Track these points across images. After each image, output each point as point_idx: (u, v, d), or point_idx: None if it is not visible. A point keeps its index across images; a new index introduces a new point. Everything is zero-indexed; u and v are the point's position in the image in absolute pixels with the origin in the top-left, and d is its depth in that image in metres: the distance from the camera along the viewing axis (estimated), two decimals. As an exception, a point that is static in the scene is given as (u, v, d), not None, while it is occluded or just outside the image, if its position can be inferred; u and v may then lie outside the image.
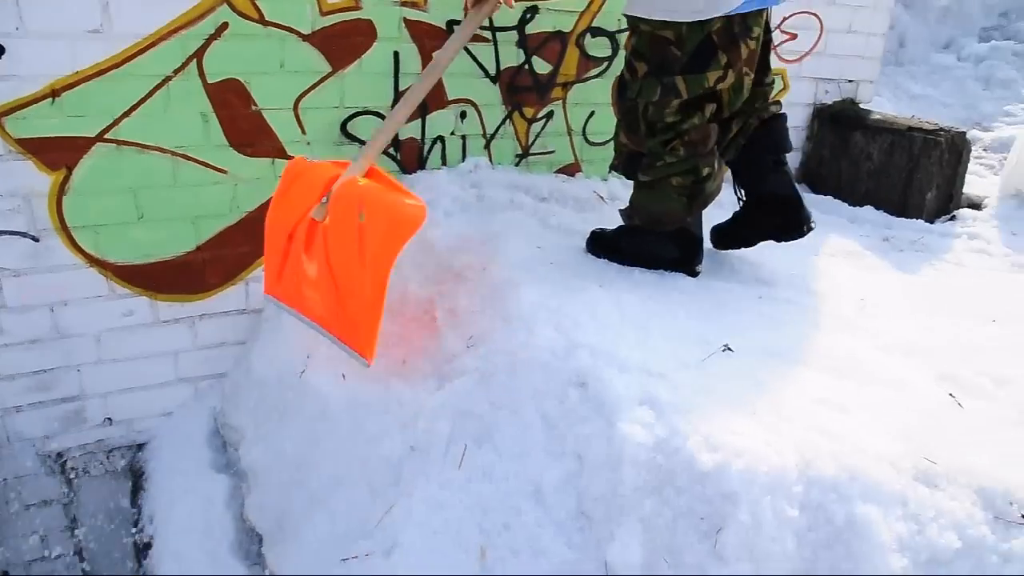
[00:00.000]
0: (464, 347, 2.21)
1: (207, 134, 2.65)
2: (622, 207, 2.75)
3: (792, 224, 2.74)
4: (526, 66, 3.13)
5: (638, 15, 2.40)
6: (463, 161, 3.16)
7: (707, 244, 2.87)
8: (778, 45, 3.67)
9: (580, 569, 1.71)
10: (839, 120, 3.89)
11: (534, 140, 3.28)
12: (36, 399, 2.68)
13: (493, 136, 3.19)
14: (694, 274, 2.72)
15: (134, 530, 2.61)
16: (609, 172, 2.92)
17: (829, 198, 3.85)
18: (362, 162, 2.33)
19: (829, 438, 1.85)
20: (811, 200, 3.71)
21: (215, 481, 2.58)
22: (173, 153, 2.62)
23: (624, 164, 2.63)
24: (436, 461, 2.00)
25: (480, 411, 2.03)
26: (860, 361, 2.31)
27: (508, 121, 3.20)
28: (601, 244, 2.75)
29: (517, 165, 3.29)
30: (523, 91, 3.17)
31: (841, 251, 3.25)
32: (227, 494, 2.53)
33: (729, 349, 2.21)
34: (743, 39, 2.40)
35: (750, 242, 2.89)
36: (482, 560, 1.77)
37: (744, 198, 2.83)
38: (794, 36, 3.71)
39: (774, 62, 3.66)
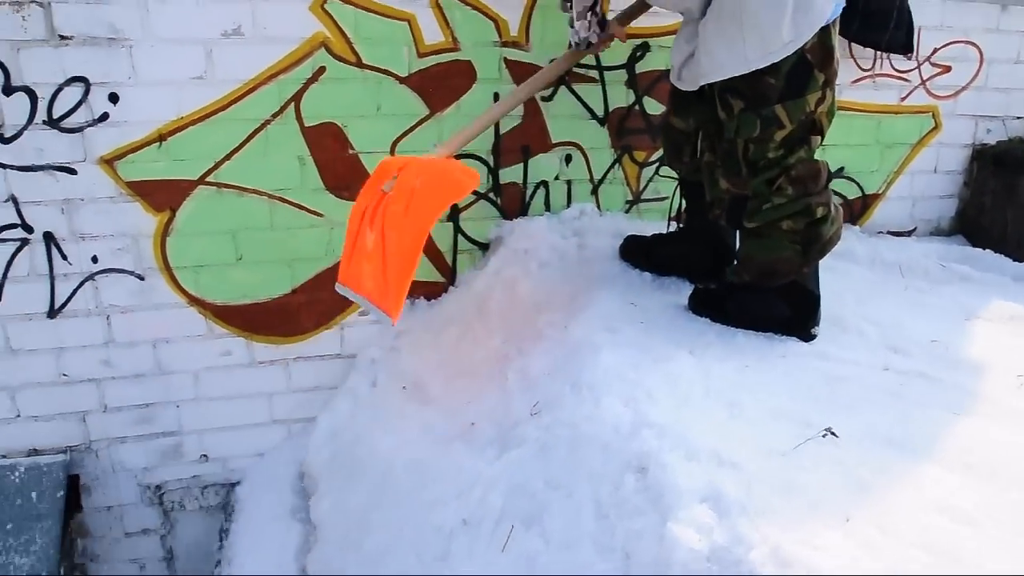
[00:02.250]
0: (528, 414, 2.04)
1: (304, 177, 2.67)
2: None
3: (712, 272, 2.54)
4: (637, 107, 2.94)
5: (733, 75, 2.16)
6: (568, 207, 3.00)
7: (830, 308, 2.55)
8: (929, 79, 3.26)
9: None
10: (1004, 162, 3.39)
11: (646, 185, 3.07)
12: (139, 432, 2.78)
13: (601, 181, 3.02)
14: (809, 338, 2.42)
15: (216, 570, 2.63)
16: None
17: (989, 252, 3.35)
18: (442, 148, 2.31)
19: (943, 559, 1.52)
20: (968, 255, 3.28)
21: (291, 529, 2.55)
22: (271, 196, 2.66)
23: (728, 212, 2.37)
24: (483, 539, 1.84)
25: (534, 488, 1.85)
26: (1008, 459, 1.92)
27: (617, 165, 3.02)
28: (706, 302, 2.50)
29: (627, 212, 3.09)
30: (634, 133, 2.98)
31: (1001, 316, 2.79)
32: (298, 544, 2.48)
33: (832, 434, 1.90)
34: (833, 53, 2.17)
35: (660, 267, 2.70)
36: (511, 663, 1.59)
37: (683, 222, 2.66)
38: (948, 69, 3.28)
39: (924, 98, 3.29)
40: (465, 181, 2.22)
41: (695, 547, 1.50)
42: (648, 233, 2.85)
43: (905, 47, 3.08)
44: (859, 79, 3.21)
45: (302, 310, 2.81)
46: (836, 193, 3.32)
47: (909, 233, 3.53)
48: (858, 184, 3.38)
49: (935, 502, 1.71)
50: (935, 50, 3.25)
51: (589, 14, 2.42)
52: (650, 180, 3.06)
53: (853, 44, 3.11)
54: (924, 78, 3.27)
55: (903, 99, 3.29)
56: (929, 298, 2.95)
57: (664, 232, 2.81)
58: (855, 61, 3.17)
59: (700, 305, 2.50)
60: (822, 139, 2.30)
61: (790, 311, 2.40)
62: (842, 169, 3.32)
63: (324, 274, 2.79)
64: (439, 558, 1.91)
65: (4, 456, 2.67)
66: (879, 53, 3.17)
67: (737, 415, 1.94)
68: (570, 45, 2.52)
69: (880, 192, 3.43)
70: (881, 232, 3.49)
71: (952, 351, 2.50)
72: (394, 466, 2.21)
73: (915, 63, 3.24)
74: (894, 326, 2.60)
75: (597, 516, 1.72)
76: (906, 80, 3.26)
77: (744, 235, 2.38)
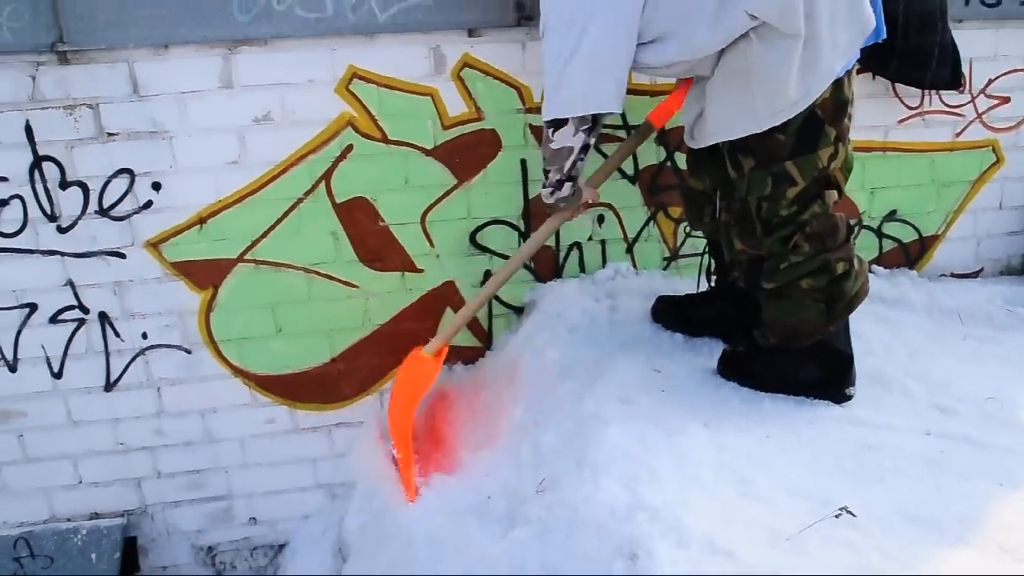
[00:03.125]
0: (534, 491, 2.03)
1: (338, 251, 2.77)
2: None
3: (746, 332, 2.42)
4: (668, 163, 2.91)
5: (743, 135, 2.12)
6: (603, 267, 2.99)
7: (876, 364, 2.44)
8: (985, 112, 3.09)
9: None
10: (1077, 194, 3.17)
11: (683, 242, 3.03)
12: (191, 496, 2.92)
13: (636, 239, 2.99)
14: (844, 399, 2.32)
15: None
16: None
17: (1058, 297, 3.12)
18: (435, 341, 2.60)
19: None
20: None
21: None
22: (307, 270, 2.76)
23: (746, 275, 2.32)
24: (485, 623, 1.84)
25: (530, 570, 1.84)
26: (1053, 540, 1.79)
27: (652, 223, 2.98)
28: (734, 366, 2.43)
29: (665, 268, 3.05)
30: (667, 190, 2.94)
31: (1067, 371, 2.60)
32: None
33: (849, 513, 1.82)
34: (849, 105, 2.12)
35: (692, 328, 2.66)
36: None
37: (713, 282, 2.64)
38: (1006, 100, 3.09)
39: (982, 132, 3.12)
40: (426, 374, 2.55)
41: (672, 645, 1.46)
42: (682, 293, 2.80)
43: (952, 83, 2.94)
44: (907, 118, 3.07)
45: (341, 378, 2.90)
46: (890, 237, 3.20)
47: (976, 274, 3.34)
48: (914, 226, 3.22)
49: (958, 590, 1.61)
50: (990, 81, 3.07)
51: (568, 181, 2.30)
52: (687, 236, 3.02)
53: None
54: (980, 111, 3.10)
55: (958, 135, 3.13)
56: (990, 347, 2.78)
57: (696, 292, 2.76)
58: (900, 100, 3.04)
59: (728, 369, 2.43)
60: (839, 194, 2.23)
61: (820, 372, 2.31)
62: (895, 212, 3.18)
63: (361, 343, 2.87)
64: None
65: (69, 520, 2.86)
66: (926, 90, 3.03)
67: (747, 493, 1.88)
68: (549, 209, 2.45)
69: (939, 233, 3.26)
70: (944, 275, 3.31)
71: (1008, 410, 2.34)
72: (414, 538, 2.24)
73: (968, 96, 3.08)
74: (944, 383, 2.47)
75: (587, 605, 1.69)
76: (959, 115, 3.10)
77: (764, 297, 2.31)
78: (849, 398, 2.32)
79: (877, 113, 3.00)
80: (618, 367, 2.41)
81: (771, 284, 2.25)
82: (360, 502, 2.67)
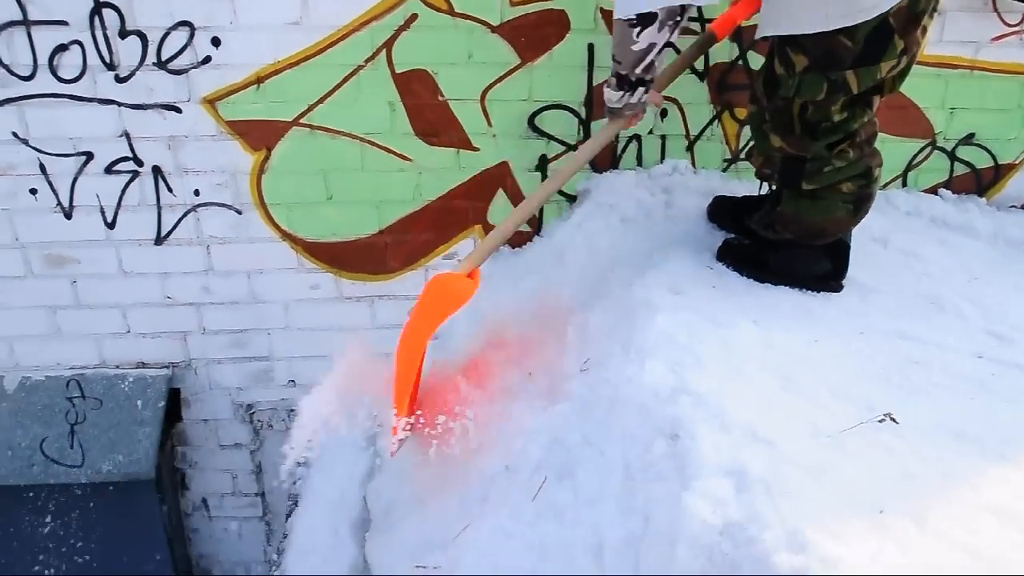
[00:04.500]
0: (578, 370, 2.04)
1: (394, 122, 2.72)
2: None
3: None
4: (740, 62, 2.80)
5: (807, 32, 1.97)
6: (661, 162, 2.92)
7: (929, 285, 2.39)
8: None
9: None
10: None
11: (746, 144, 2.93)
12: (233, 354, 2.99)
13: (698, 137, 2.90)
14: (840, 288, 2.37)
15: (294, 487, 2.81)
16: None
17: None
18: (466, 263, 2.29)
19: (983, 565, 1.42)
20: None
21: (361, 455, 2.68)
22: (362, 139, 2.73)
23: (782, 172, 2.24)
24: (518, 488, 1.88)
25: (571, 443, 1.86)
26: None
27: (717, 122, 2.89)
28: (739, 258, 2.43)
29: (724, 170, 2.97)
30: (736, 89, 2.83)
31: None
32: (364, 471, 2.61)
33: (892, 420, 1.79)
34: (924, 16, 1.96)
35: (747, 231, 2.49)
36: (524, 608, 1.63)
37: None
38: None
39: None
40: (460, 292, 2.19)
41: (708, 520, 1.47)
42: (739, 194, 2.74)
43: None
44: (1002, 36, 2.89)
45: (388, 250, 2.90)
46: (963, 161, 3.07)
47: (1047, 208, 3.21)
48: (991, 152, 3.08)
49: (992, 504, 1.59)
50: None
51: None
52: (750, 139, 2.91)
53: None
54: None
55: (1057, 60, 2.94)
56: (1056, 282, 2.69)
57: (754, 195, 2.69)
58: (999, 15, 2.85)
59: (736, 260, 2.43)
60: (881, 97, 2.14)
61: (831, 265, 2.35)
62: (973, 136, 3.03)
63: (410, 217, 2.86)
64: (479, 500, 1.97)
65: (117, 367, 2.95)
66: (1031, 8, 2.84)
67: (791, 390, 1.86)
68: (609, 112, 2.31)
69: (1017, 162, 3.11)
70: (1014, 206, 3.18)
71: (1067, 344, 2.27)
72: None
73: (1080, 18, 2.88)
74: (1002, 311, 2.40)
75: (624, 477, 1.71)
76: (1067, 39, 2.91)
77: (794, 195, 2.26)
78: (843, 287, 2.36)
79: (969, 28, 2.82)
80: (671, 259, 2.38)
81: (811, 186, 2.20)
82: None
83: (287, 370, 3.03)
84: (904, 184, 3.05)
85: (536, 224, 2.96)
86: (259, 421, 3.09)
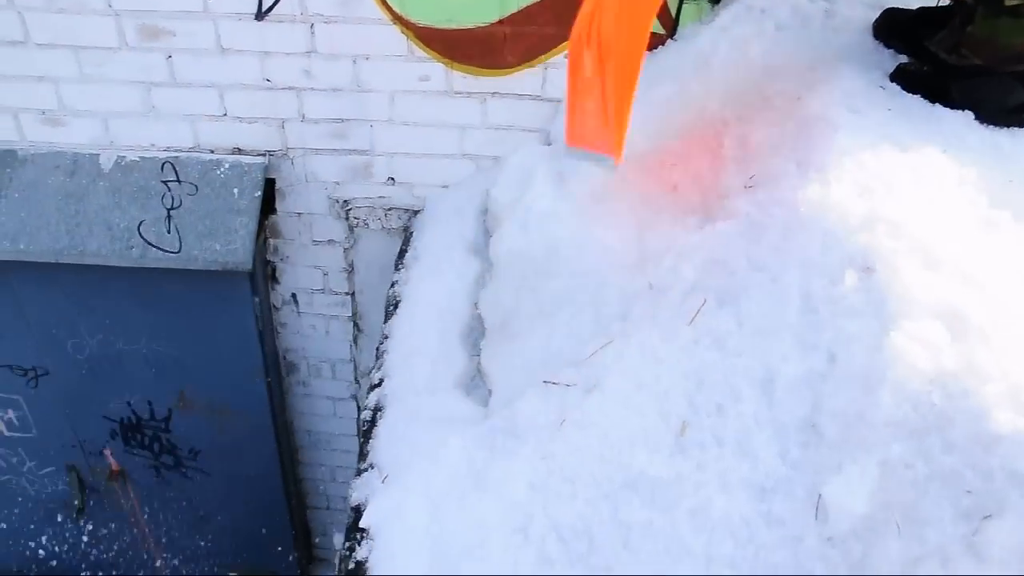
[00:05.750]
0: (742, 186, 1.83)
1: None
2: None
3: None
4: None
5: None
6: (825, -39, 2.54)
7: None
8: None
9: (789, 492, 1.39)
10: None
11: (927, -55, 2.53)
12: (332, 145, 2.81)
13: (871, -67, 2.51)
14: None
15: (392, 290, 2.71)
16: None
17: None
18: None
19: None
20: None
21: (467, 263, 2.54)
22: (490, -89, 2.39)
23: None
24: (668, 308, 1.73)
25: (735, 266, 1.69)
26: None
27: (896, -85, 2.48)
28: (917, 83, 2.15)
29: (899, -25, 2.58)
30: None
31: None
32: (473, 279, 2.49)
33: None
34: None
35: (918, 52, 2.19)
36: (680, 436, 1.53)
37: None
38: None
39: None
40: None
41: (918, 365, 1.32)
42: (915, 7, 2.38)
43: None
44: None
45: (507, 42, 2.62)
46: None
47: None
48: None
49: None
50: None
51: None
52: (933, -61, 2.51)
53: None
54: None
55: None
56: None
57: (932, 7, 2.34)
58: None
59: (912, 84, 2.14)
60: None
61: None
62: None
63: (535, 7, 2.55)
64: (618, 317, 1.84)
65: (212, 152, 2.79)
66: None
67: (992, 232, 1.65)
68: None
69: None
70: None
71: None
72: (585, 212, 2.10)
73: None
74: None
75: (804, 309, 1.55)
76: None
77: (991, 14, 1.95)
78: None
79: None
80: (838, 75, 2.10)
81: (1016, 1, 1.89)
82: (514, 174, 2.51)
83: (387, 167, 2.86)
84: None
85: (671, 25, 2.64)
86: (355, 219, 2.95)
